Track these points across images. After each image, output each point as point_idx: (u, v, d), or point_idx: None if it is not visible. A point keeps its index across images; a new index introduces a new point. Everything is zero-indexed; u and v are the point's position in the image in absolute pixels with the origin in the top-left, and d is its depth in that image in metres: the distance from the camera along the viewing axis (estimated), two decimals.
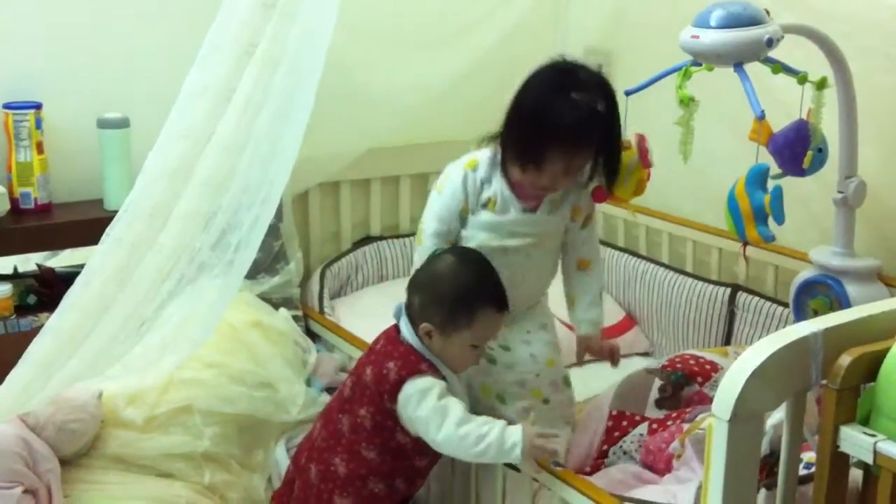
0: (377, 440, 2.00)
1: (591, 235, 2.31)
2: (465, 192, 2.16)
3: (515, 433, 1.92)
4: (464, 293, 2.00)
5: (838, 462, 1.58)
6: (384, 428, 1.99)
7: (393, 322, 2.08)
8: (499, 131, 2.14)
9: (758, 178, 2.10)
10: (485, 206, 2.16)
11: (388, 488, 2.03)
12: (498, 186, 2.15)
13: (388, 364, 2.00)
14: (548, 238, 2.23)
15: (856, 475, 1.65)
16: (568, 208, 2.22)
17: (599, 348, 2.32)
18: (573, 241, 2.28)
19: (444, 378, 2.00)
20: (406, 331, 2.03)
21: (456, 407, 1.95)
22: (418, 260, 2.16)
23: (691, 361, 2.44)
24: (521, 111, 2.08)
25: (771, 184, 2.15)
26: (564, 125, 2.02)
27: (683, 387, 2.38)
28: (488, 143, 2.18)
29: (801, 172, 2.23)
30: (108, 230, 2.00)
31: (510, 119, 2.10)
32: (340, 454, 2.03)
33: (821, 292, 2.37)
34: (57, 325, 2.02)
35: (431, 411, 1.94)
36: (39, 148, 2.64)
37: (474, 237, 2.17)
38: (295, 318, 2.82)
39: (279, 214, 2.80)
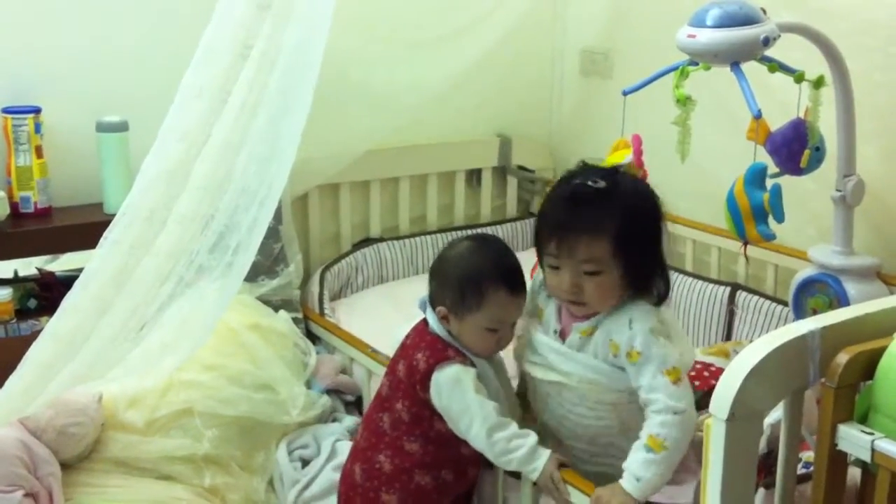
0: (417, 431, 2.00)
1: (640, 371, 1.88)
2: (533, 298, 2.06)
3: (541, 459, 1.91)
4: (472, 274, 1.99)
5: (837, 461, 1.58)
6: (422, 418, 2.00)
7: (421, 316, 2.09)
8: None
9: (756, 176, 2.11)
10: (535, 314, 2.05)
11: (435, 480, 2.01)
12: (549, 298, 2.03)
13: (417, 355, 2.00)
14: (586, 385, 1.95)
15: (854, 474, 1.65)
16: (607, 343, 1.92)
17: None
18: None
19: (473, 364, 1.98)
20: (431, 320, 2.04)
21: (488, 408, 1.93)
22: None
23: (705, 373, 2.40)
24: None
25: (769, 182, 2.16)
26: (556, 211, 1.94)
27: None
28: None
29: (799, 171, 2.24)
30: (106, 233, 2.01)
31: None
32: (384, 451, 2.03)
33: (820, 291, 2.37)
34: (56, 328, 2.02)
35: (464, 407, 1.93)
36: (39, 152, 2.64)
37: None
38: (295, 319, 2.82)
39: (279, 216, 2.80)
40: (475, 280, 1.98)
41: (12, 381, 2.05)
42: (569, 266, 1.89)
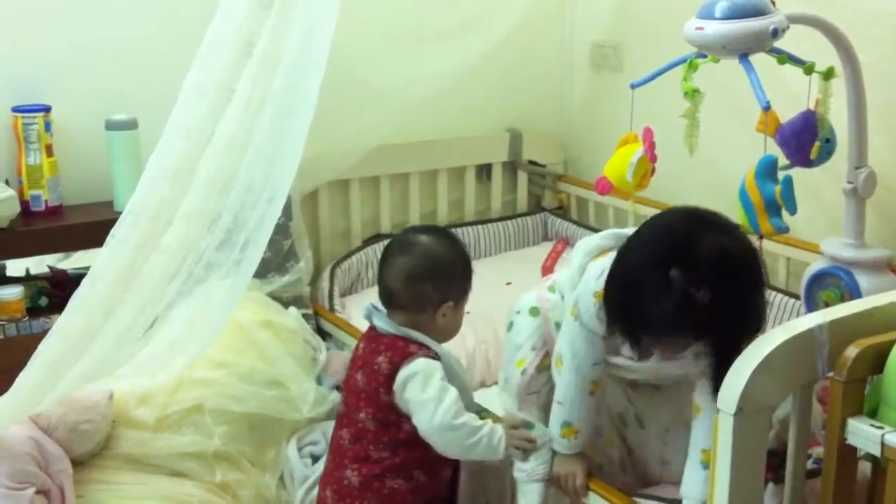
0: (385, 438, 2.00)
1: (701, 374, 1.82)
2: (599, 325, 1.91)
3: (498, 429, 2.00)
4: (465, 260, 2.14)
5: (846, 455, 1.57)
6: (388, 423, 2.00)
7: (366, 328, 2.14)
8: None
9: (767, 169, 2.09)
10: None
11: (408, 482, 2.01)
12: None
13: (377, 359, 2.02)
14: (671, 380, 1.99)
15: (864, 468, 1.63)
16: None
17: None
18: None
19: (437, 356, 2.03)
20: (384, 323, 2.06)
21: (454, 395, 1.98)
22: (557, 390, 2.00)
23: None
24: (612, 281, 1.77)
25: (781, 175, 2.14)
26: (649, 310, 1.67)
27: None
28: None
29: (809, 163, 2.22)
30: (112, 231, 2.01)
31: (608, 280, 1.80)
32: (349, 466, 2.03)
33: (832, 284, 2.35)
34: (65, 325, 2.03)
35: (431, 395, 1.97)
36: (49, 151, 2.65)
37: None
38: (305, 316, 2.82)
39: (288, 213, 2.80)
40: (468, 266, 2.14)
41: (22, 378, 2.06)
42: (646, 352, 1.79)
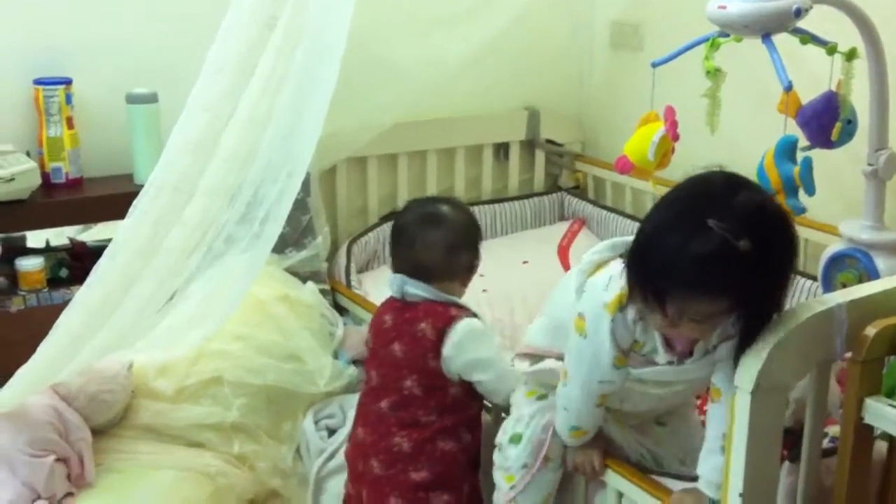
0: (432, 403, 2.03)
1: (727, 356, 1.67)
2: (616, 345, 1.74)
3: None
4: (478, 229, 2.23)
5: (863, 434, 1.58)
6: (435, 388, 2.02)
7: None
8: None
9: (786, 149, 2.08)
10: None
11: (458, 443, 2.04)
12: (650, 330, 1.72)
13: (418, 326, 2.04)
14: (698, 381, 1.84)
15: (881, 448, 1.64)
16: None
17: None
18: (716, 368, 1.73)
19: (475, 315, 2.10)
20: (420, 290, 2.08)
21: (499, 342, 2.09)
22: (562, 396, 1.86)
23: None
24: (640, 238, 1.61)
25: (800, 156, 2.14)
26: (684, 257, 1.52)
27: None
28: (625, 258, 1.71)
29: (830, 144, 2.21)
30: (133, 204, 2.02)
31: (632, 246, 1.65)
32: (398, 433, 2.03)
33: (849, 265, 2.35)
34: (85, 297, 2.04)
35: (494, 351, 2.06)
36: (70, 123, 2.67)
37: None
38: (322, 291, 2.83)
39: (306, 189, 2.81)
40: (480, 233, 2.22)
41: (43, 348, 2.08)
42: (680, 321, 1.60)
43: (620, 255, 1.74)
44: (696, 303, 1.54)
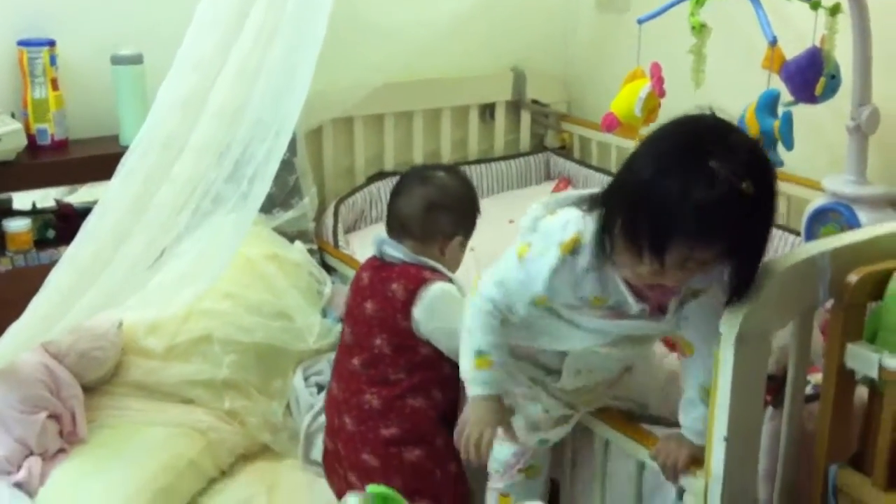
0: (401, 361, 2.04)
1: (699, 311, 1.67)
2: (550, 286, 1.66)
3: None
4: (477, 203, 2.22)
5: (845, 379, 1.61)
6: (405, 347, 2.03)
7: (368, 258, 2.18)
8: (599, 196, 1.62)
9: (768, 103, 2.10)
10: (588, 303, 1.69)
11: (427, 399, 2.04)
12: (611, 282, 1.65)
13: (391, 286, 2.05)
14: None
15: (861, 393, 1.67)
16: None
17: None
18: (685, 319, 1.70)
19: (450, 279, 2.08)
20: (397, 252, 2.09)
21: None
22: (468, 315, 1.78)
23: None
24: (633, 179, 1.53)
25: (781, 111, 2.15)
26: (690, 203, 1.45)
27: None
28: (590, 207, 1.64)
29: (814, 99, 2.23)
30: (122, 161, 2.02)
31: (619, 188, 1.57)
32: (368, 390, 2.05)
33: (832, 220, 2.37)
34: (75, 254, 2.05)
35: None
36: (54, 84, 2.65)
37: (565, 337, 1.76)
38: (310, 251, 2.85)
39: (293, 149, 2.82)
40: (478, 207, 2.22)
41: (34, 305, 2.09)
42: (676, 267, 1.53)
43: (576, 205, 1.68)
44: (698, 249, 1.49)
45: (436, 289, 2.03)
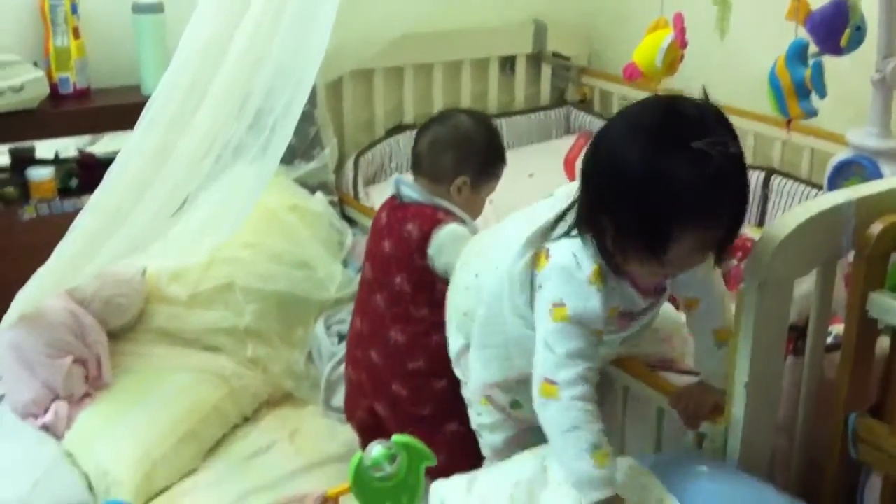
0: (422, 297, 2.06)
1: (702, 272, 1.67)
2: (604, 319, 1.60)
3: None
4: (493, 147, 2.15)
5: (866, 328, 1.61)
6: (424, 284, 2.05)
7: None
8: (580, 212, 1.59)
9: (798, 53, 2.09)
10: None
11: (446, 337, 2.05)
12: (618, 290, 1.63)
13: (407, 226, 2.06)
14: None
15: (882, 344, 1.67)
16: None
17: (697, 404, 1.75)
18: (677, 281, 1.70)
19: (463, 221, 2.08)
20: (411, 191, 2.10)
21: None
22: (558, 422, 1.59)
23: (748, 244, 2.40)
24: (625, 190, 1.48)
25: (810, 61, 2.14)
26: (696, 189, 1.45)
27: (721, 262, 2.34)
28: (581, 231, 1.59)
29: (839, 51, 2.21)
30: (145, 109, 2.02)
31: (610, 204, 1.52)
32: (392, 327, 2.08)
33: (856, 173, 2.36)
34: (100, 200, 2.07)
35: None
36: (76, 33, 2.66)
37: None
38: (331, 203, 2.86)
39: (313, 100, 2.82)
40: (496, 153, 2.15)
41: (59, 250, 2.12)
42: (692, 252, 1.53)
43: (566, 235, 1.61)
44: (713, 227, 1.49)
45: (447, 230, 2.04)
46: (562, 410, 1.56)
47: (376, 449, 1.27)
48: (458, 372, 1.96)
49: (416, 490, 1.31)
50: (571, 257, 1.59)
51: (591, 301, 1.57)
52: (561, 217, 1.65)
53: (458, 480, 1.71)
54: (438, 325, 2.03)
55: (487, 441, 1.94)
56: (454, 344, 1.94)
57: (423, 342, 2.05)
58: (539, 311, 1.63)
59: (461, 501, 1.67)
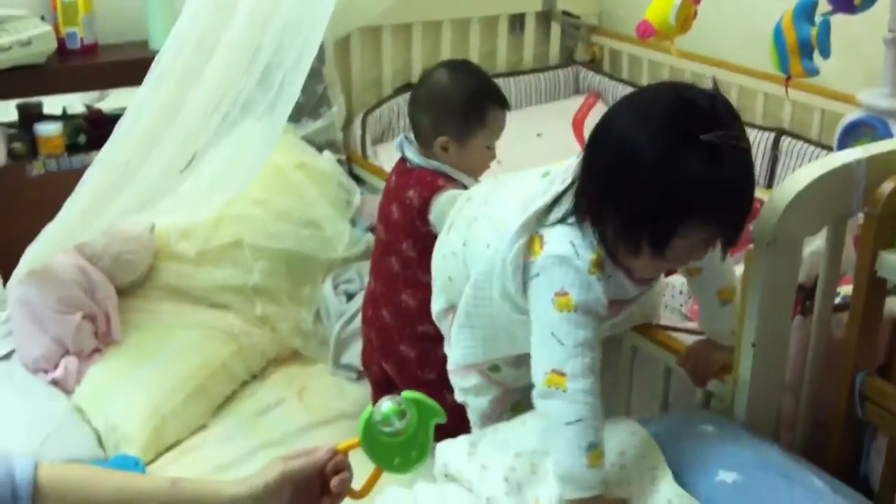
0: (427, 262, 2.05)
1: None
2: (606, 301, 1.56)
3: None
4: (471, 97, 2.06)
5: (875, 288, 1.60)
6: (429, 249, 2.04)
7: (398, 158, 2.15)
8: (580, 199, 1.54)
9: (805, 10, 2.06)
10: None
11: None
12: (614, 277, 1.59)
13: (408, 193, 2.06)
14: None
15: (891, 305, 1.67)
16: None
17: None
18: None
19: (465, 187, 2.05)
20: (412, 155, 2.08)
21: None
22: (563, 412, 1.53)
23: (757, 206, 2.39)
24: (632, 182, 1.44)
25: (819, 19, 2.11)
26: (707, 187, 1.41)
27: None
28: (579, 218, 1.54)
29: (852, 9, 2.18)
30: (155, 61, 2.02)
31: (613, 191, 1.48)
32: (404, 290, 2.09)
33: (866, 134, 2.34)
34: (109, 155, 2.07)
35: None
36: None
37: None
38: (339, 161, 2.86)
39: (321, 57, 2.80)
40: (476, 103, 2.06)
41: (69, 205, 2.12)
42: (701, 245, 1.52)
43: (561, 221, 1.56)
44: (724, 222, 1.47)
45: (445, 196, 2.02)
46: (567, 402, 1.51)
47: (386, 404, 1.27)
48: (441, 327, 1.92)
49: (425, 446, 1.30)
50: (569, 246, 1.54)
51: (592, 289, 1.53)
52: (557, 200, 1.58)
53: (460, 443, 1.72)
54: None
55: (475, 406, 1.91)
56: (436, 304, 1.90)
57: (430, 308, 2.04)
58: (537, 301, 1.57)
59: (462, 465, 1.69)
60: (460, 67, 2.16)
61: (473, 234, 1.75)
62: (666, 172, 1.40)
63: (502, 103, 2.09)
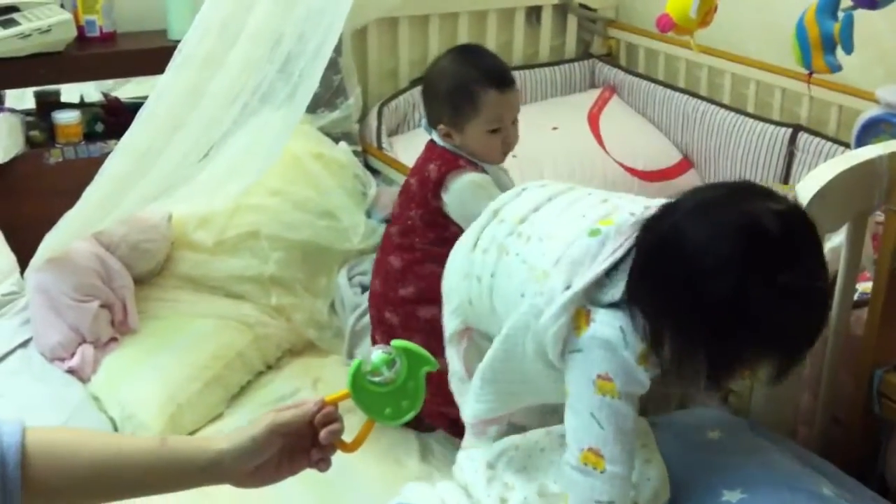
0: (431, 234, 2.08)
1: None
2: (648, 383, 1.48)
3: None
4: (458, 82, 2.03)
5: (895, 284, 1.60)
6: (435, 223, 2.07)
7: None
8: (639, 305, 1.42)
9: (829, 5, 2.05)
10: None
11: (443, 267, 1.95)
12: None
13: (429, 166, 2.08)
14: None
15: None
16: None
17: None
18: None
19: (484, 171, 2.06)
20: (436, 138, 2.11)
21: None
22: (587, 488, 1.48)
23: None
24: (700, 315, 1.35)
25: (841, 14, 2.11)
26: (778, 331, 1.35)
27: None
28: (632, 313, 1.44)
29: (873, 5, 2.17)
30: (179, 47, 2.01)
31: (676, 315, 1.38)
32: (392, 254, 2.12)
33: (884, 131, 2.34)
34: (130, 142, 2.07)
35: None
36: None
37: None
38: (354, 153, 2.86)
39: (339, 48, 2.80)
40: (463, 87, 2.02)
41: (88, 193, 2.12)
42: None
43: (612, 305, 1.46)
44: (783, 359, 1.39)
45: (465, 179, 2.03)
46: (602, 482, 1.46)
47: (375, 354, 1.26)
48: (450, 351, 1.80)
49: (416, 395, 1.28)
50: (618, 332, 1.44)
51: (638, 379, 1.45)
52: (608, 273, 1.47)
53: (479, 465, 1.67)
54: (436, 257, 1.97)
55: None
56: (450, 325, 1.79)
57: (416, 269, 2.08)
58: (578, 378, 1.48)
59: (482, 492, 1.65)
60: (463, 51, 2.18)
61: (504, 268, 1.63)
62: (737, 313, 1.32)
63: (498, 84, 2.02)
